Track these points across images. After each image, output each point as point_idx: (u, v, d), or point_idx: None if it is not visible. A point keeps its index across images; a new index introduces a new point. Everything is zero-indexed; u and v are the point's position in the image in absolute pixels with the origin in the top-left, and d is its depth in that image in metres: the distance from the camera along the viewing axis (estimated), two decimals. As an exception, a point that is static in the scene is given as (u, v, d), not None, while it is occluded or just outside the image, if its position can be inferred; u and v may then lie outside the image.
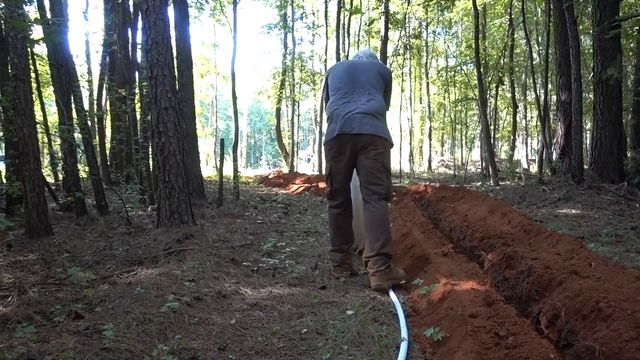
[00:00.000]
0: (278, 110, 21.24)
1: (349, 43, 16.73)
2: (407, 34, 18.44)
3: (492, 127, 14.41)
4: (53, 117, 12.42)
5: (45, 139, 9.63)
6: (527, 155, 21.63)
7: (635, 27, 9.83)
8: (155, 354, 1.98)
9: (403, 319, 2.47)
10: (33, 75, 7.28)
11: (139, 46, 7.99)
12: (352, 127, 3.38)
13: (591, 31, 9.79)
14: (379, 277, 3.17)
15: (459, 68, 18.32)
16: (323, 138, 4.09)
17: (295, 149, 20.08)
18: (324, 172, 15.79)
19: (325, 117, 4.39)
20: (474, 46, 12.12)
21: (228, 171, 14.29)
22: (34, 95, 6.10)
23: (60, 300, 2.66)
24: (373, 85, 3.54)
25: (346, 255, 3.63)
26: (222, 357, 2.07)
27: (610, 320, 1.80)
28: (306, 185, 11.57)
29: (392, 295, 2.92)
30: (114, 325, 2.17)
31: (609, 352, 1.67)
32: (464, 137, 21.11)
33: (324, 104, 4.21)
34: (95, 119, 13.14)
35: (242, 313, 2.63)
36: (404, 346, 2.11)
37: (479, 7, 13.00)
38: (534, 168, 16.78)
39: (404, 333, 2.28)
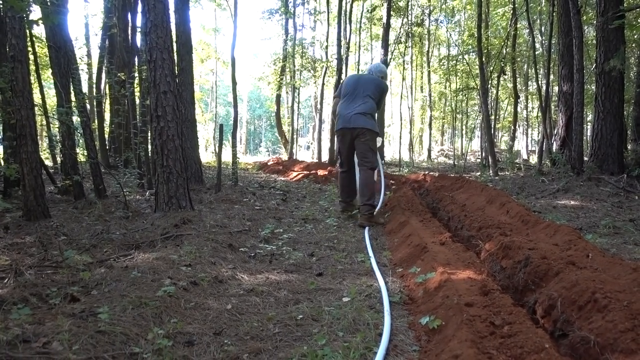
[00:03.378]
0: (278, 96, 21.11)
1: (351, 30, 16.62)
2: (410, 22, 18.29)
3: (492, 117, 14.37)
4: (52, 100, 12.36)
5: (44, 122, 9.59)
6: (527, 146, 21.61)
7: (640, 18, 9.76)
8: (150, 338, 1.98)
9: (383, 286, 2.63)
10: (32, 57, 7.23)
11: (138, 29, 7.92)
12: (349, 123, 5.27)
13: (595, 21, 9.71)
14: (364, 218, 5.09)
15: (460, 57, 18.21)
16: (335, 126, 5.71)
17: (294, 136, 20.00)
18: (323, 159, 15.79)
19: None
20: (476, 35, 12.03)
21: (227, 157, 14.27)
22: (32, 78, 6.06)
23: (57, 283, 2.66)
24: (368, 94, 5.37)
25: (348, 205, 5.65)
26: (217, 341, 2.08)
27: (606, 311, 1.80)
28: (305, 172, 11.55)
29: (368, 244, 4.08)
30: (110, 309, 2.17)
31: (604, 343, 1.67)
32: (464, 127, 21.07)
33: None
34: (94, 103, 13.08)
35: (239, 298, 2.63)
36: (387, 320, 2.11)
37: (482, -4, 12.87)
38: (533, 159, 16.77)
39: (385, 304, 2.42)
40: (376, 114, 5.63)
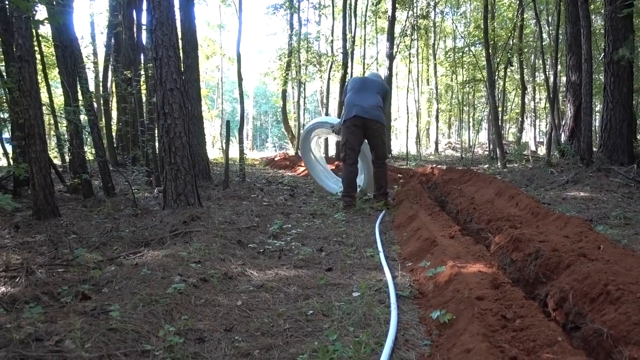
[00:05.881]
0: (284, 92, 21.04)
1: (356, 24, 16.53)
2: (415, 14, 18.17)
3: (500, 109, 14.27)
4: (59, 99, 12.41)
5: (52, 121, 9.64)
6: (535, 138, 21.43)
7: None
8: (161, 335, 1.99)
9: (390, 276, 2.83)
10: (38, 56, 7.26)
11: (144, 27, 7.92)
12: (367, 114, 5.58)
13: (603, 10, 9.60)
14: (381, 203, 5.71)
15: (467, 49, 18.08)
16: (341, 119, 6.07)
17: (301, 131, 19.97)
18: (330, 154, 15.77)
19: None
20: (482, 26, 11.94)
21: (234, 153, 14.29)
22: (39, 77, 6.09)
23: (67, 281, 2.68)
24: (376, 90, 5.82)
25: (352, 199, 5.76)
26: (228, 338, 2.08)
27: (618, 303, 1.78)
28: (312, 167, 11.50)
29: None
30: (121, 306, 2.19)
31: (617, 335, 1.66)
32: (471, 119, 20.93)
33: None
34: (101, 101, 13.13)
35: (248, 294, 2.64)
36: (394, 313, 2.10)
37: (488, -14, 12.73)
38: (542, 150, 16.66)
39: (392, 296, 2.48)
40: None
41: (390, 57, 14.93)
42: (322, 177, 7.86)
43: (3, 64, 6.36)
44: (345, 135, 5.78)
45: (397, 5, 14.99)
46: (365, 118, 5.58)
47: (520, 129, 18.25)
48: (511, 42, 14.68)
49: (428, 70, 24.95)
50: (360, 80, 6.08)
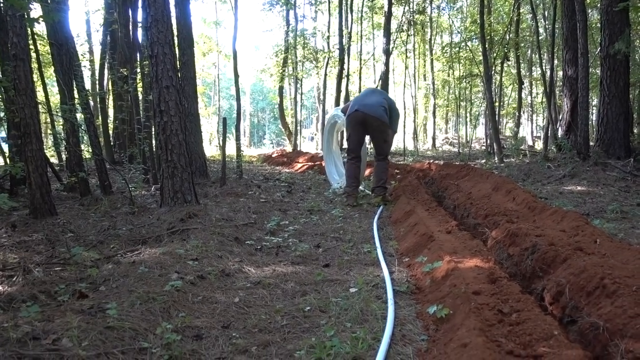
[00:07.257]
0: (281, 88, 21.02)
1: (352, 19, 16.52)
2: (411, 10, 18.14)
3: (497, 104, 14.28)
4: (55, 98, 12.38)
5: (48, 120, 9.61)
6: (532, 132, 21.47)
7: (644, 0, 9.61)
8: (159, 332, 1.99)
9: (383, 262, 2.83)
10: (34, 55, 7.23)
11: (139, 25, 7.89)
12: (366, 109, 5.71)
13: (599, 4, 9.59)
14: (380, 198, 5.77)
15: (463, 44, 18.06)
16: (345, 116, 6.21)
17: (298, 128, 19.93)
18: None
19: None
20: (479, 21, 11.93)
21: (231, 150, 14.27)
22: (35, 75, 6.07)
23: (65, 280, 2.67)
24: (383, 97, 6.01)
25: (354, 192, 5.88)
26: (225, 335, 2.08)
27: (614, 297, 1.79)
28: (309, 164, 11.53)
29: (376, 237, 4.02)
30: (118, 304, 2.18)
31: (613, 329, 1.66)
32: (468, 114, 20.92)
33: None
34: (98, 99, 13.09)
35: (246, 291, 2.64)
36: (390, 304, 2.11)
37: (484, -19, 12.70)
38: (539, 145, 16.68)
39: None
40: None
41: (387, 52, 14.88)
42: (333, 170, 7.87)
43: (-2, 62, 6.32)
44: (348, 131, 5.98)
45: (393, 0, 14.95)
46: (365, 113, 5.68)
47: (518, 124, 18.26)
48: (508, 37, 14.68)
49: (425, 65, 24.95)
50: (369, 89, 6.49)
